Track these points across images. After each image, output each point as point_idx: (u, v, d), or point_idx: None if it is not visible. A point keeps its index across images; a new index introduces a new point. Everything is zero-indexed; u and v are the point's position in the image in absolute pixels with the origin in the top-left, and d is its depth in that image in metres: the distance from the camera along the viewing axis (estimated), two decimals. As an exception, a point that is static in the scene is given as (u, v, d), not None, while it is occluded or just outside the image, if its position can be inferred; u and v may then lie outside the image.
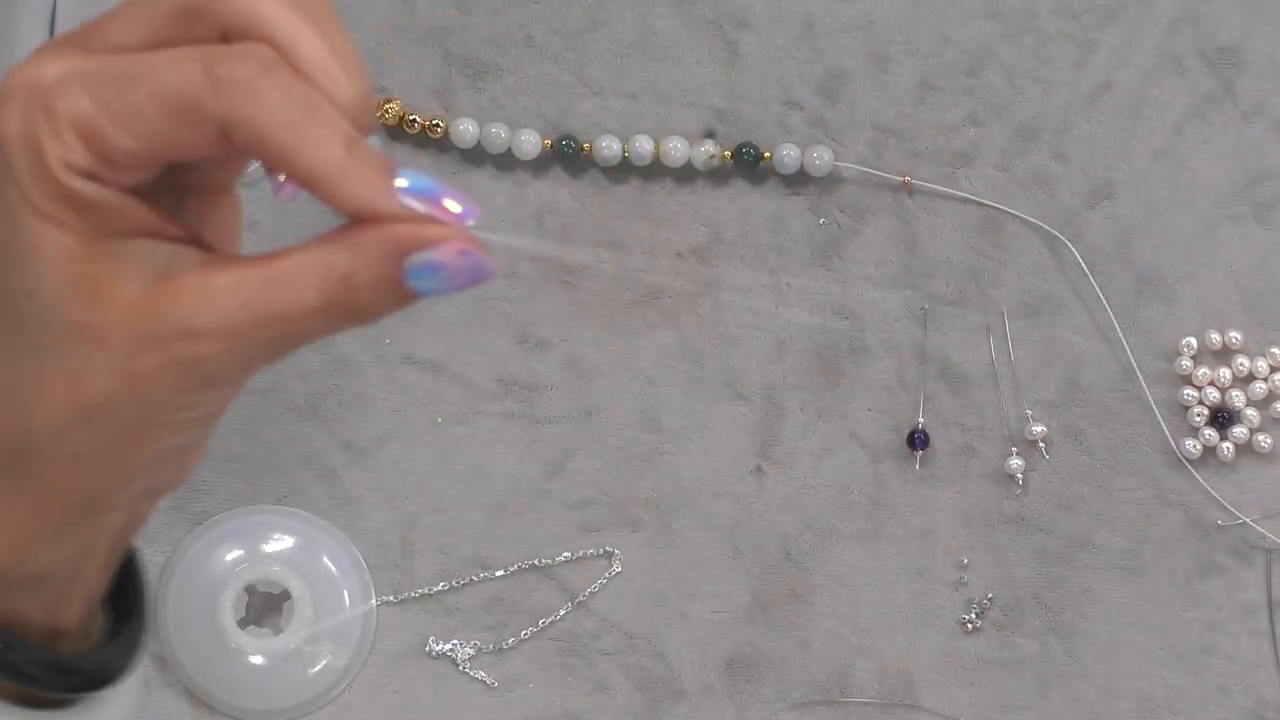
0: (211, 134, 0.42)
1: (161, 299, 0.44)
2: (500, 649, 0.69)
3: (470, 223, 0.42)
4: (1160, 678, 0.69)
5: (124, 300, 0.43)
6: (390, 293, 0.44)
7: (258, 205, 0.68)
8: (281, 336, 0.45)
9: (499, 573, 0.69)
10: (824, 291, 0.69)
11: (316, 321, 0.45)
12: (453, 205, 0.43)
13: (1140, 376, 0.68)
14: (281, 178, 0.44)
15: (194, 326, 0.44)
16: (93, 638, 0.48)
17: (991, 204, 0.68)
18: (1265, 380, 0.68)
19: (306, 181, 0.42)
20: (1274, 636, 0.68)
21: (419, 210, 0.42)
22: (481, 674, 0.69)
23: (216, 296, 0.44)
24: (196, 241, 0.45)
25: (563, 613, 0.69)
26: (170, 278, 0.44)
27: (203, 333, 0.44)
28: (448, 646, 0.69)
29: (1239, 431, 0.68)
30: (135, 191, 0.44)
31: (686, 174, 0.69)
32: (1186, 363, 0.68)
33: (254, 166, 0.50)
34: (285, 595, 0.68)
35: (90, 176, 0.43)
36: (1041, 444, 0.68)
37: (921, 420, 0.69)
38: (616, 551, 0.69)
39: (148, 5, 0.43)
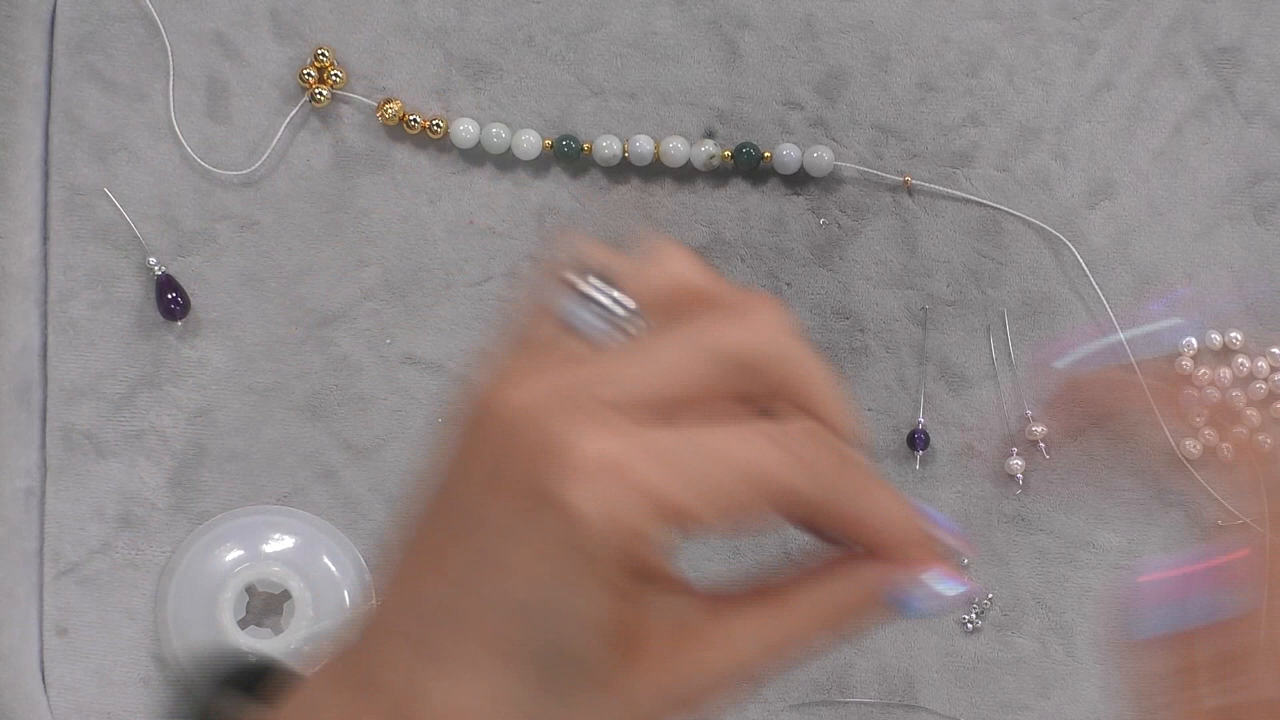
0: (790, 510, 0.44)
1: (688, 652, 0.45)
2: (500, 649, 0.69)
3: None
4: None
5: (651, 656, 0.44)
6: (882, 617, 0.47)
7: (256, 204, 0.68)
8: (776, 664, 0.47)
9: (499, 573, 0.69)
10: (824, 291, 0.69)
11: (810, 647, 0.47)
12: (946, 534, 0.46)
13: (1140, 376, 0.68)
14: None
15: (717, 675, 0.45)
16: None
17: (991, 204, 0.68)
18: (1265, 380, 0.68)
19: (864, 540, 0.45)
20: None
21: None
22: (482, 674, 0.69)
23: (737, 642, 0.45)
24: (691, 588, 0.46)
25: (563, 613, 0.69)
26: (694, 630, 0.45)
27: (724, 679, 0.45)
28: (448, 646, 0.69)
29: (1239, 432, 0.68)
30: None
31: (686, 174, 0.69)
32: (1186, 363, 0.68)
33: None
34: (285, 595, 0.68)
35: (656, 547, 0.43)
36: (1041, 444, 0.68)
37: (921, 420, 0.69)
38: (617, 551, 0.69)
39: (696, 357, 0.43)
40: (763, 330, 0.43)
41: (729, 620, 0.45)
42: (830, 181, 0.68)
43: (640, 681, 0.44)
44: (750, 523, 0.43)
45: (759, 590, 0.47)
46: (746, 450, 0.43)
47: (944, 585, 0.44)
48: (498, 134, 0.67)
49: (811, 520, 0.45)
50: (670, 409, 0.43)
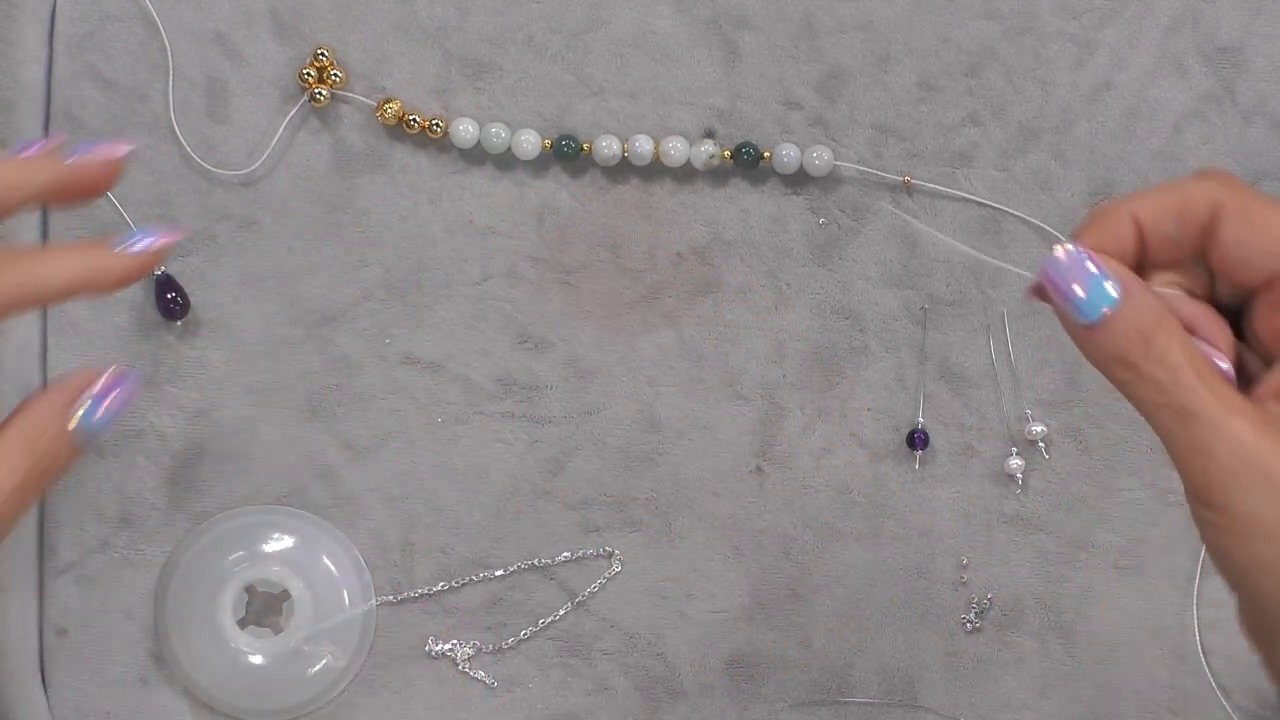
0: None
1: None
2: (500, 649, 0.69)
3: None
4: (1160, 677, 0.69)
5: None
6: (68, 459, 0.53)
7: (256, 206, 0.68)
8: None
9: (499, 573, 0.69)
10: (824, 291, 0.69)
11: (17, 506, 0.53)
12: None
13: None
14: None
15: None
16: None
17: (991, 204, 0.68)
18: (1265, 380, 0.68)
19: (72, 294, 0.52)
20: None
21: None
22: (481, 674, 0.69)
23: None
24: None
25: (563, 613, 0.69)
26: None
27: None
28: (447, 646, 0.69)
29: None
30: None
31: (686, 174, 0.69)
32: (1186, 363, 0.68)
33: None
34: (285, 595, 0.68)
35: None
36: (1041, 444, 0.68)
37: (921, 420, 0.69)
38: (616, 551, 0.69)
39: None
40: None
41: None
42: (830, 181, 0.68)
43: None
44: None
45: None
46: None
47: (103, 400, 0.52)
48: (497, 134, 0.67)
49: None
50: None
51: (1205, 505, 0.51)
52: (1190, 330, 0.54)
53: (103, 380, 0.52)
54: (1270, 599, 0.50)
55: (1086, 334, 0.53)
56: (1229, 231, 0.53)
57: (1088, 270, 0.52)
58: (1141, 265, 0.54)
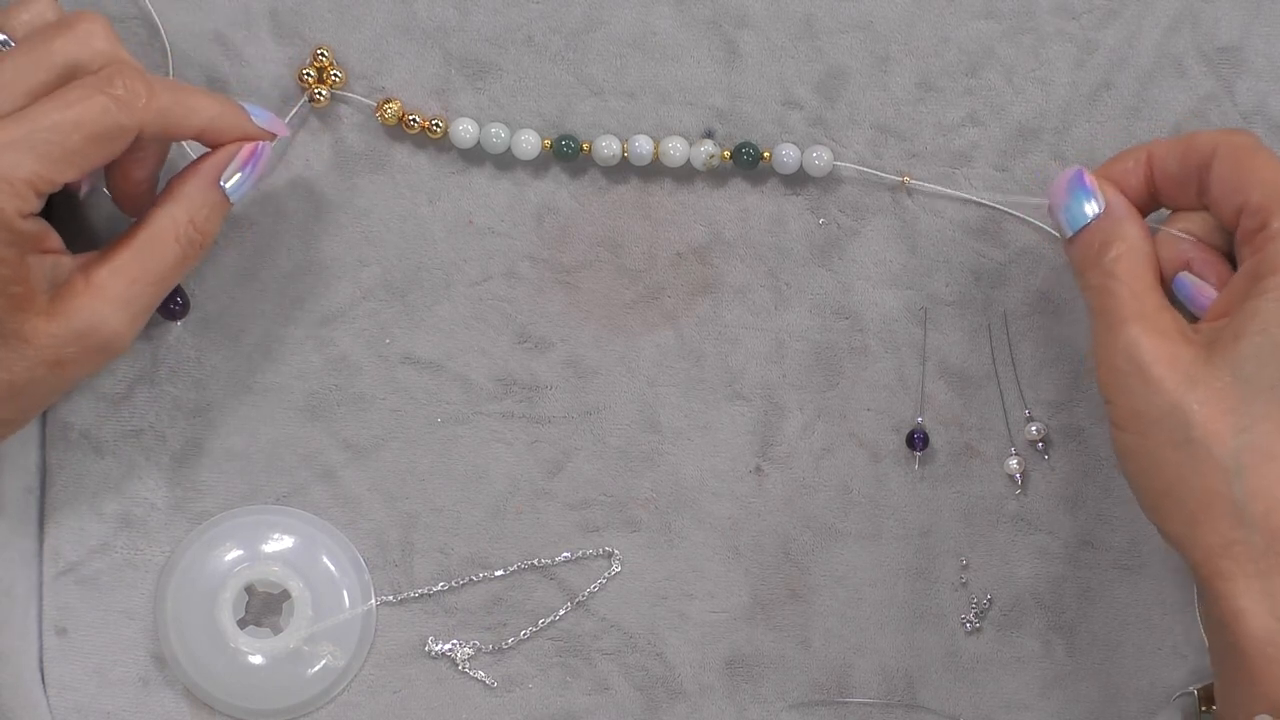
0: (131, 139, 0.56)
1: (68, 302, 0.56)
2: (500, 649, 0.69)
3: None
4: (1162, 677, 0.69)
5: (37, 308, 0.56)
6: (222, 213, 0.61)
7: (255, 206, 0.68)
8: (166, 288, 0.60)
9: (499, 573, 0.69)
10: (824, 291, 0.69)
11: (184, 265, 0.60)
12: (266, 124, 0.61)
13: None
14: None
15: (97, 317, 0.57)
16: None
17: (991, 204, 0.68)
18: (1265, 380, 0.68)
19: (197, 138, 0.59)
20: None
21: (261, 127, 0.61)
22: (481, 674, 0.69)
23: (107, 288, 0.57)
24: (62, 248, 0.59)
25: (562, 613, 0.69)
26: (68, 284, 0.57)
27: (107, 319, 0.57)
28: (447, 646, 0.69)
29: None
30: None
31: (686, 174, 0.69)
32: (1187, 362, 0.68)
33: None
34: (285, 595, 0.68)
35: (32, 216, 0.55)
36: (1041, 444, 0.68)
37: (921, 420, 0.69)
38: (616, 551, 0.69)
39: (32, 69, 0.56)
40: (82, 35, 0.57)
41: (95, 271, 0.57)
42: (830, 181, 0.68)
43: (30, 328, 0.56)
44: (103, 161, 0.56)
45: (124, 236, 0.59)
46: (74, 112, 0.54)
47: (249, 165, 0.61)
48: (497, 134, 0.67)
49: (156, 138, 0.58)
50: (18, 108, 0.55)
51: (1104, 399, 0.57)
52: (1188, 268, 0.59)
53: (243, 152, 0.60)
54: (1139, 481, 0.56)
55: (1068, 245, 0.60)
56: (1215, 169, 0.58)
57: (1080, 189, 0.59)
58: (1152, 200, 0.60)
